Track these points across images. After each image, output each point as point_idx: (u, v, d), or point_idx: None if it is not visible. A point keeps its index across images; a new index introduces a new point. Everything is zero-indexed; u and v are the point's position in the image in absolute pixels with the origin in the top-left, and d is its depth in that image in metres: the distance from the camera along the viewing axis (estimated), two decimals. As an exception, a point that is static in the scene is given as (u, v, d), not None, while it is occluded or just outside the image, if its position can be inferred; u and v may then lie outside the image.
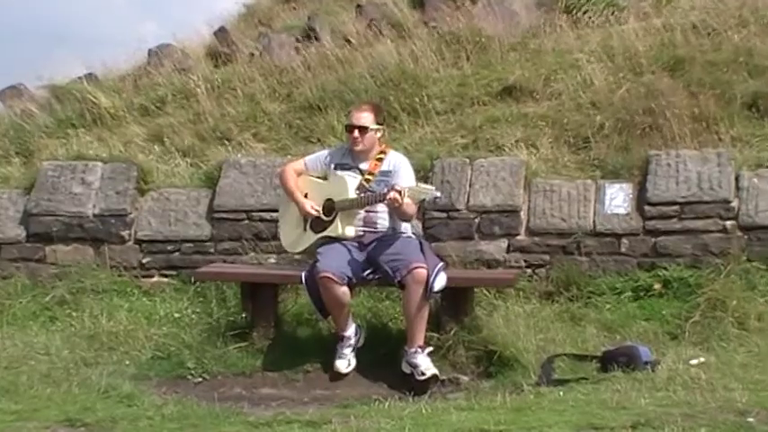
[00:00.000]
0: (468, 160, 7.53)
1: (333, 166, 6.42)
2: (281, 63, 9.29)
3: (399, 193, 5.81)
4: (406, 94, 8.48)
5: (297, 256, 7.08)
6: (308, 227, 6.40)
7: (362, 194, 6.18)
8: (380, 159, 6.34)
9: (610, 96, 8.00)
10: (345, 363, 6.16)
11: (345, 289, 6.01)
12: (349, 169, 6.36)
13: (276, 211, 7.18)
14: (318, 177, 6.50)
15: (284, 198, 6.65)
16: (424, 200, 5.98)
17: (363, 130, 6.31)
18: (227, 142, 8.44)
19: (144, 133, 8.77)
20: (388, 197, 5.88)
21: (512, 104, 8.27)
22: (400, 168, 6.31)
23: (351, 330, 6.21)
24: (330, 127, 8.36)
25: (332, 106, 8.54)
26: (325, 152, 6.64)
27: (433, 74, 8.73)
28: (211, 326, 6.80)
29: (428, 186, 5.89)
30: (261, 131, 8.60)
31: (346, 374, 6.13)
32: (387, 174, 6.28)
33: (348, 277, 6.00)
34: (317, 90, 8.74)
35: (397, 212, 6.10)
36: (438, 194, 5.89)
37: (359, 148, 6.32)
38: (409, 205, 5.96)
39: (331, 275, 5.93)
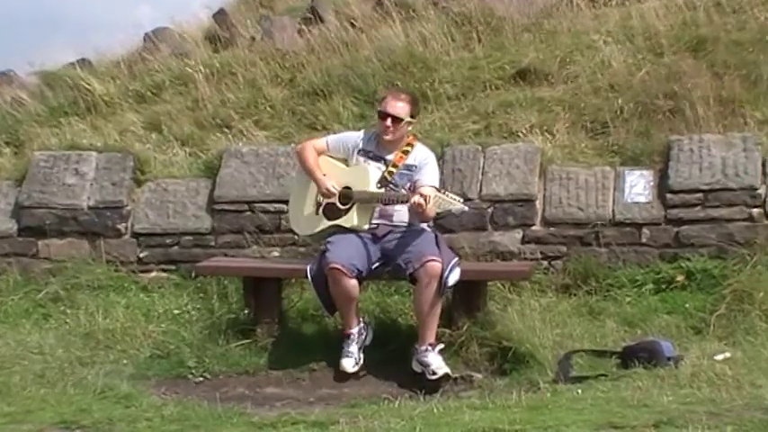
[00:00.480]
0: (480, 147, 7.52)
1: (356, 151, 6.38)
2: (284, 47, 9.28)
3: (425, 199, 5.80)
4: (414, 78, 8.47)
5: (302, 249, 7.08)
6: (320, 211, 6.36)
7: (385, 190, 6.15)
8: (406, 152, 6.30)
9: (629, 79, 7.98)
10: (352, 361, 6.15)
11: (354, 282, 6.00)
12: (373, 158, 6.32)
13: (280, 201, 7.18)
14: (339, 160, 6.46)
15: (298, 177, 6.61)
16: (448, 211, 5.97)
17: (397, 120, 6.26)
18: (227, 130, 8.43)
19: (140, 121, 8.77)
20: (411, 201, 5.88)
21: (526, 88, 8.25)
22: (426, 165, 6.28)
23: (358, 327, 6.20)
24: (335, 113, 8.35)
25: (337, 92, 8.53)
26: (351, 135, 6.57)
27: (443, 57, 8.70)
28: (212, 323, 6.81)
29: (455, 198, 5.86)
30: (263, 119, 8.59)
31: (353, 374, 6.13)
32: (411, 168, 6.26)
33: (358, 270, 6.00)
34: (322, 75, 8.73)
35: (416, 216, 6.10)
36: (465, 208, 5.88)
37: (389, 137, 6.28)
38: (431, 211, 5.95)
39: (341, 267, 5.92)
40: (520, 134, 7.74)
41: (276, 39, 9.41)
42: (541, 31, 8.85)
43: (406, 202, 5.96)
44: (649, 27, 8.46)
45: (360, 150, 6.36)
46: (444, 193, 5.88)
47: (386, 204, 6.16)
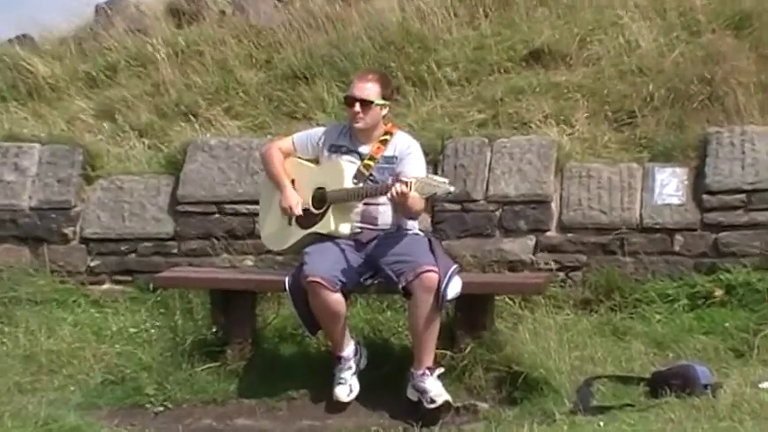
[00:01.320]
0: (486, 140, 7.52)
1: (326, 147, 6.40)
2: (259, 22, 9.28)
3: (406, 185, 5.78)
4: (411, 59, 8.47)
5: (279, 257, 7.07)
6: (293, 220, 6.38)
7: (361, 184, 6.16)
8: (384, 142, 6.30)
9: (660, 61, 8.00)
10: (346, 389, 6.13)
11: (338, 296, 5.99)
12: (346, 152, 6.33)
13: (254, 202, 7.16)
14: (308, 160, 6.48)
15: (266, 183, 6.63)
16: (434, 195, 5.95)
17: (367, 104, 6.26)
18: (193, 119, 8.44)
19: (91, 108, 8.77)
20: (391, 190, 5.86)
21: (540, 72, 8.26)
22: (408, 154, 6.27)
23: (350, 349, 6.19)
24: (319, 100, 8.35)
25: (320, 75, 8.53)
26: (317, 130, 6.60)
27: (445, 35, 8.71)
28: (175, 343, 6.79)
29: (440, 179, 5.84)
30: (234, 106, 8.59)
31: (349, 403, 6.12)
32: (391, 160, 6.25)
33: (341, 282, 5.98)
34: (303, 56, 8.73)
35: (401, 209, 6.08)
36: (452, 189, 5.84)
37: (359, 125, 6.28)
38: (416, 200, 5.93)
39: (320, 280, 5.91)
40: (533, 125, 7.76)
41: (250, 13, 9.41)
42: (558, 5, 8.87)
43: (386, 192, 5.95)
44: (683, 1, 8.48)
45: (331, 146, 6.36)
46: (427, 176, 5.87)
47: (365, 200, 6.15)
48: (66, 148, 8.00)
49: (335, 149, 6.36)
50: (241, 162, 7.73)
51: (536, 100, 7.95)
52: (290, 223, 6.39)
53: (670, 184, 7.19)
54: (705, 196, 7.08)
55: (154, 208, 7.75)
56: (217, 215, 7.62)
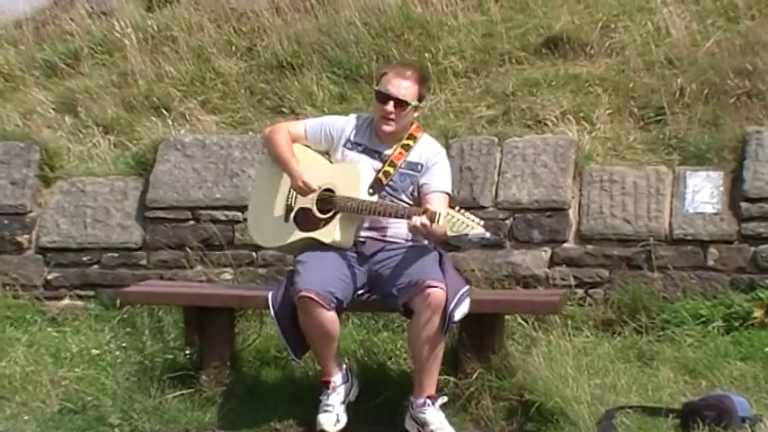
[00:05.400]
0: (496, 139, 7.54)
1: (343, 142, 6.32)
2: (240, 5, 9.28)
3: (431, 218, 5.74)
4: (411, 47, 8.49)
5: (261, 270, 7.05)
6: (291, 217, 6.31)
7: (378, 199, 6.09)
8: (408, 147, 6.21)
9: (693, 51, 8.02)
10: (333, 418, 6.07)
11: (333, 315, 5.94)
12: (365, 152, 6.26)
13: (233, 208, 7.18)
14: (319, 153, 6.40)
15: (264, 169, 6.56)
16: (465, 236, 5.88)
17: (402, 105, 6.17)
18: (165, 113, 8.44)
19: (50, 101, 8.76)
20: (412, 223, 5.82)
21: (557, 62, 8.29)
22: (435, 164, 6.17)
23: (340, 375, 6.16)
24: (307, 93, 8.36)
25: (309, 65, 8.54)
26: (335, 120, 6.45)
27: (449, 20, 8.74)
28: (143, 367, 6.79)
29: (474, 219, 5.71)
30: (212, 99, 8.60)
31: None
32: (415, 167, 6.17)
33: (337, 300, 5.95)
34: (290, 43, 8.74)
35: (419, 234, 6.03)
36: (487, 234, 5.76)
37: (389, 128, 6.17)
38: (440, 227, 5.87)
39: (314, 296, 5.87)
40: (548, 122, 7.77)
41: (230, -6, 9.43)
42: (578, -12, 8.91)
43: (406, 217, 5.91)
44: (720, -16, 8.52)
45: (348, 142, 6.30)
46: (460, 212, 5.78)
47: (379, 216, 6.09)
48: (20, 146, 8.00)
49: (353, 147, 6.27)
50: (219, 162, 7.72)
51: (552, 94, 7.97)
52: (286, 220, 6.31)
53: (703, 191, 7.20)
54: (743, 204, 7.09)
55: (120, 214, 7.74)
56: (191, 222, 7.62)
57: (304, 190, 6.17)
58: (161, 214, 7.66)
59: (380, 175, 6.14)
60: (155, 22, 9.26)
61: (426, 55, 8.37)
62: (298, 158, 6.25)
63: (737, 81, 7.68)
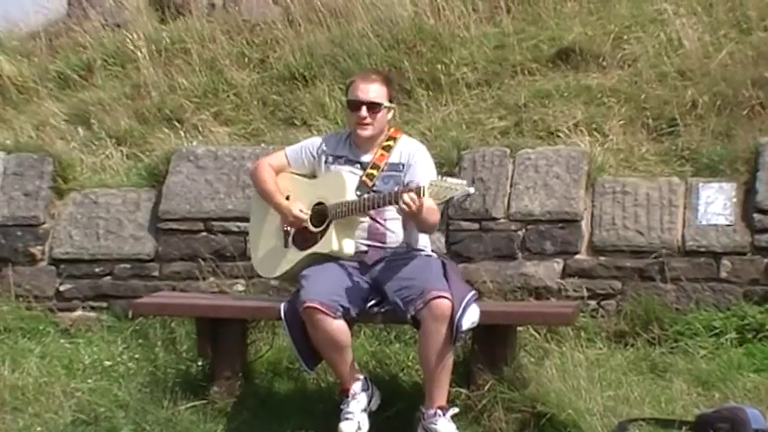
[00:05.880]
0: (508, 151, 7.54)
1: (324, 159, 6.38)
2: (253, 17, 9.31)
3: (417, 192, 5.76)
4: (424, 59, 8.50)
5: (274, 282, 7.06)
6: (290, 241, 6.35)
7: (365, 196, 6.14)
8: (388, 148, 6.28)
9: (705, 63, 8.01)
10: (354, 425, 6.03)
11: (340, 323, 5.95)
12: (347, 163, 6.31)
13: (246, 219, 7.16)
14: (303, 176, 6.46)
15: (257, 202, 6.63)
16: (451, 199, 5.92)
17: (375, 108, 6.22)
18: (177, 125, 8.46)
19: (63, 113, 8.79)
20: (401, 199, 5.84)
21: (569, 74, 8.29)
22: (416, 161, 6.25)
23: (359, 383, 6.15)
24: (319, 105, 8.37)
25: (322, 76, 8.56)
26: (313, 140, 6.57)
27: (462, 32, 8.73)
28: (155, 378, 6.78)
29: (456, 180, 5.81)
30: (224, 110, 8.61)
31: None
32: (397, 167, 6.23)
33: (343, 308, 5.96)
34: (302, 55, 8.76)
35: (414, 221, 6.04)
36: (471, 190, 5.79)
37: (367, 133, 6.22)
38: (431, 210, 5.88)
39: (318, 305, 5.87)
40: (561, 134, 7.78)
41: (243, 6, 9.46)
42: (590, 0, 8.89)
43: (395, 201, 5.91)
44: (733, -5, 8.53)
45: (329, 156, 6.32)
46: (441, 179, 5.82)
47: (371, 210, 6.10)
48: (34, 158, 8.01)
49: (335, 160, 6.32)
50: (231, 174, 7.73)
51: (564, 106, 7.97)
52: (286, 245, 6.36)
53: (716, 202, 7.19)
54: (756, 215, 7.08)
55: (132, 225, 7.76)
56: (203, 233, 7.64)
57: (297, 223, 6.24)
58: (173, 226, 7.67)
59: (365, 177, 6.18)
60: (168, 34, 9.29)
61: (439, 66, 8.38)
62: (283, 189, 6.34)
63: (750, 92, 7.68)
